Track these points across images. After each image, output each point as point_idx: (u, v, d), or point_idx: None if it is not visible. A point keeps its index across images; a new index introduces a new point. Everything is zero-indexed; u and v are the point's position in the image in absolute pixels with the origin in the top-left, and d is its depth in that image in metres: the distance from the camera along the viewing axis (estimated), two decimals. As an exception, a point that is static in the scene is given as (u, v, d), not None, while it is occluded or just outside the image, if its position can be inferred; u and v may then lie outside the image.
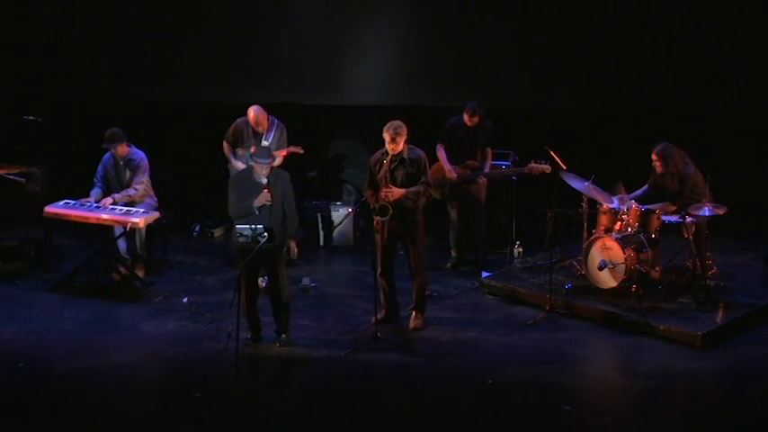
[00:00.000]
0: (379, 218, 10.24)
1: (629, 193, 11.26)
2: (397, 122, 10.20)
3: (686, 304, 10.67)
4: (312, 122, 13.87)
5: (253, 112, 11.87)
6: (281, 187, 9.91)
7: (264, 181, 9.80)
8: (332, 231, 12.83)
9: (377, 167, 10.37)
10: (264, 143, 11.80)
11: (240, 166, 11.56)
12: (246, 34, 14.26)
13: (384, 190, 10.20)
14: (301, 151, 12.04)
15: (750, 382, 9.56)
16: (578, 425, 8.89)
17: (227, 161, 12.08)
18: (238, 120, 12.01)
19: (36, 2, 14.47)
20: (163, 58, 14.32)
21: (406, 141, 10.27)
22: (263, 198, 9.76)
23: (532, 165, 11.73)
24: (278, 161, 11.73)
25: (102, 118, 13.67)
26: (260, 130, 11.88)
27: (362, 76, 14.18)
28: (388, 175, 10.25)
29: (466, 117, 11.86)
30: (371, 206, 10.36)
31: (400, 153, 10.25)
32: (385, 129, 10.21)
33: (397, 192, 10.19)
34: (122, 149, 11.61)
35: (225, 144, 12.07)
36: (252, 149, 11.46)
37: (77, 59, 14.42)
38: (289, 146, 11.96)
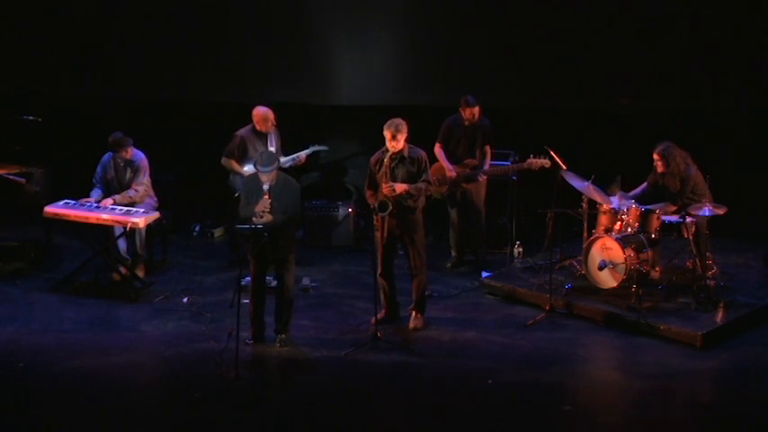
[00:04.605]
0: (379, 214, 10.22)
1: (625, 190, 11.27)
2: (398, 120, 10.21)
3: (686, 304, 10.67)
4: (312, 122, 13.86)
5: (262, 109, 11.71)
6: (285, 197, 9.91)
7: (266, 187, 9.81)
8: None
9: (377, 167, 10.37)
10: (271, 149, 11.75)
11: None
12: (247, 34, 14.26)
13: (386, 186, 10.18)
14: (325, 147, 12.17)
15: (750, 382, 9.56)
16: (578, 425, 8.89)
17: (227, 172, 11.86)
18: (240, 132, 11.80)
19: (36, 1, 14.47)
20: (163, 59, 14.31)
21: (407, 140, 10.28)
22: (262, 205, 9.78)
23: (531, 160, 11.73)
24: (301, 160, 11.95)
25: (101, 118, 13.72)
26: (268, 126, 11.74)
27: (362, 76, 14.18)
28: (388, 172, 10.24)
29: (466, 111, 11.85)
30: (372, 206, 10.35)
31: (401, 151, 10.25)
32: (386, 126, 10.21)
33: (399, 187, 10.18)
34: (128, 153, 11.61)
35: (228, 161, 11.78)
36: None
37: (77, 59, 14.42)
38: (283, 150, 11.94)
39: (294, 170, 12.01)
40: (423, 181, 10.32)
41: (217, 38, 14.26)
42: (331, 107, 14.22)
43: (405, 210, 10.28)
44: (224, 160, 11.85)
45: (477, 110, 11.87)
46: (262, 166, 9.83)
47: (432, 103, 13.55)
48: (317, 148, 12.39)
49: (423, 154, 10.40)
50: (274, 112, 11.85)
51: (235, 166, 11.76)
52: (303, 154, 12.14)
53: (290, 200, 9.97)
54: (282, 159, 11.79)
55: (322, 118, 14.15)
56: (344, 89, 14.23)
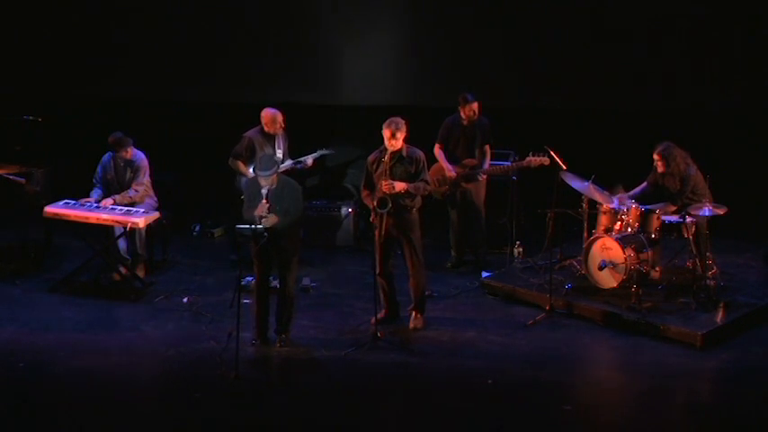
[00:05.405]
0: (378, 211, 10.18)
1: (625, 190, 11.28)
2: (398, 119, 10.20)
3: (686, 304, 10.67)
4: (312, 122, 13.86)
5: (270, 111, 11.62)
6: (286, 199, 9.89)
7: (265, 192, 9.80)
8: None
9: (374, 166, 10.36)
10: (278, 152, 11.73)
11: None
12: (247, 34, 14.26)
13: (385, 183, 10.17)
14: (332, 151, 12.29)
15: (750, 382, 9.56)
16: (578, 425, 8.89)
17: (234, 173, 11.76)
18: (248, 134, 11.69)
19: (35, 2, 14.47)
20: (163, 59, 14.32)
21: (405, 140, 10.27)
22: (261, 209, 9.77)
23: (530, 158, 11.73)
24: (309, 164, 11.94)
25: (102, 118, 13.72)
26: (277, 128, 11.70)
27: (362, 76, 14.18)
28: (387, 170, 10.23)
29: (465, 109, 11.83)
30: (371, 206, 10.33)
31: (399, 151, 10.25)
32: (385, 125, 10.21)
33: (399, 185, 10.17)
34: (128, 153, 11.60)
35: (236, 161, 11.66)
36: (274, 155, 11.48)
37: (78, 60, 14.42)
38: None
39: (298, 172, 11.94)
40: (421, 180, 10.32)
41: (217, 38, 14.26)
42: (331, 107, 14.22)
43: (401, 209, 10.27)
44: (231, 161, 11.77)
45: (476, 106, 11.85)
46: (260, 170, 9.82)
47: (432, 104, 13.56)
48: (324, 152, 12.34)
49: (421, 154, 10.39)
50: (282, 113, 11.79)
51: (241, 167, 11.68)
52: (310, 158, 12.06)
53: (292, 201, 9.95)
54: (286, 162, 11.77)
55: (322, 118, 14.14)
56: (345, 89, 14.24)
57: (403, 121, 10.21)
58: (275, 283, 10.29)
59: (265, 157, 10.57)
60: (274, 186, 9.83)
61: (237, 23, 14.24)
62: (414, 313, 10.57)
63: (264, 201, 9.76)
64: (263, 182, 9.80)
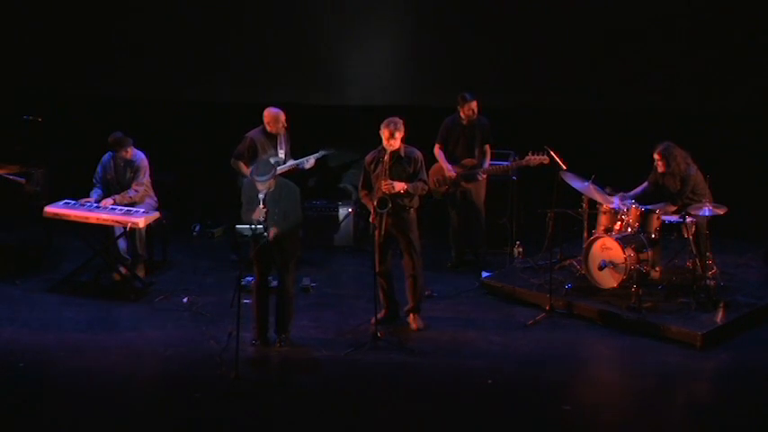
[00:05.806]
0: (378, 211, 10.17)
1: (625, 190, 11.28)
2: (396, 119, 10.22)
3: (686, 304, 10.67)
4: (312, 122, 13.86)
5: (273, 110, 11.60)
6: (285, 202, 9.89)
7: (261, 196, 9.79)
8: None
9: (372, 166, 10.37)
10: (281, 152, 11.71)
11: None
12: (247, 34, 14.26)
13: (385, 183, 10.18)
14: (332, 150, 12.29)
15: (750, 382, 9.56)
16: (578, 425, 8.89)
17: (236, 173, 11.70)
18: (250, 134, 11.67)
19: (35, 1, 14.46)
20: (163, 58, 14.32)
21: (403, 140, 10.27)
22: (258, 214, 9.76)
23: (530, 157, 11.73)
24: (310, 164, 11.90)
25: (102, 118, 13.71)
26: (279, 128, 11.67)
27: (362, 76, 14.18)
28: (387, 170, 10.23)
29: (464, 108, 11.83)
30: (371, 206, 10.33)
31: (398, 150, 10.25)
32: (383, 124, 10.21)
33: (398, 185, 10.18)
34: (128, 153, 11.60)
35: (237, 162, 11.61)
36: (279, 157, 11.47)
37: (78, 59, 14.42)
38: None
39: (299, 172, 11.93)
40: (419, 180, 10.32)
41: (217, 38, 14.26)
42: (331, 107, 14.22)
43: (399, 209, 10.27)
44: (233, 162, 11.73)
45: (474, 105, 11.85)
46: (257, 175, 9.80)
47: (432, 104, 13.56)
48: (325, 152, 12.34)
49: (419, 154, 10.39)
50: (285, 113, 11.77)
51: (243, 168, 11.63)
52: (312, 158, 12.05)
53: (291, 204, 9.95)
54: (288, 162, 11.76)
55: (322, 118, 14.14)
56: (345, 89, 14.24)
57: (401, 121, 10.22)
58: (275, 283, 10.29)
59: (262, 162, 10.58)
60: (272, 190, 9.83)
61: (238, 23, 14.23)
62: (412, 314, 10.56)
63: (262, 205, 9.76)
64: (259, 186, 9.79)
